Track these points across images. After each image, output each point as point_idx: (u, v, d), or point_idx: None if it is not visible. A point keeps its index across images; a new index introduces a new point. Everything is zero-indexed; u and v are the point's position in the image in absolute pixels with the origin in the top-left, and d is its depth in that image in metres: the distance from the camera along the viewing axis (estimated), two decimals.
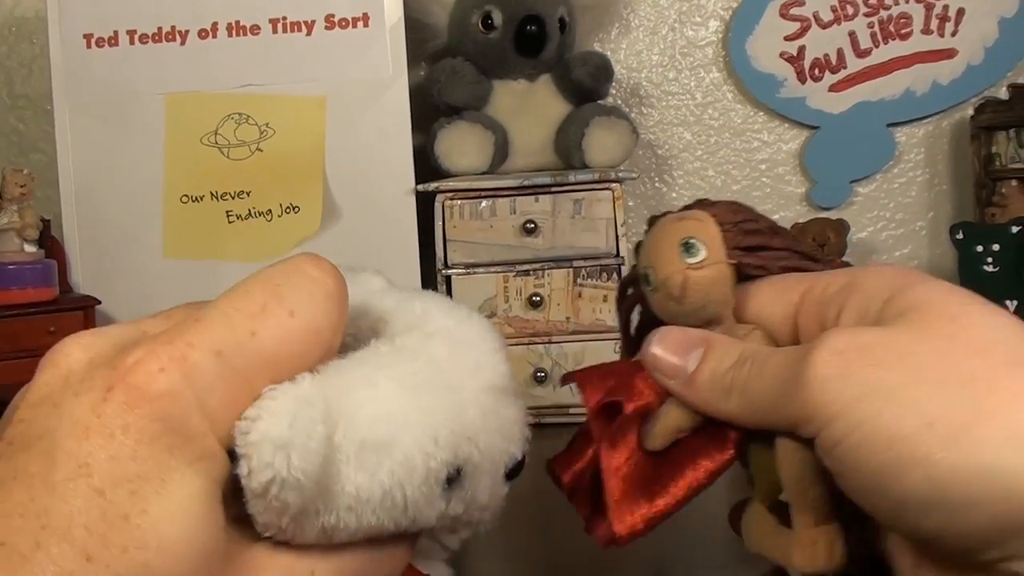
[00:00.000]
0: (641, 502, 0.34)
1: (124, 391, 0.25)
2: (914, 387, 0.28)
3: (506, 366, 0.33)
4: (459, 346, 0.31)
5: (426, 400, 0.29)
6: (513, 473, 0.33)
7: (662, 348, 0.35)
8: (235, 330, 0.26)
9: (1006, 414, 0.27)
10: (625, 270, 0.92)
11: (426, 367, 0.30)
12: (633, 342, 0.40)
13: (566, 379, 0.38)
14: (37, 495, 0.24)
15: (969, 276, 0.97)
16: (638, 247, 0.38)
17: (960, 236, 1.00)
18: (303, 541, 0.28)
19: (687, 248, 0.35)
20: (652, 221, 0.38)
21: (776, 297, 0.36)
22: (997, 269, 0.97)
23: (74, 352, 0.27)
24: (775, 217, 1.11)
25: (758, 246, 0.37)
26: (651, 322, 0.39)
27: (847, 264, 0.37)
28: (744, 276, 0.37)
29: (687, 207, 0.38)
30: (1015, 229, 0.98)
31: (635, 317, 0.40)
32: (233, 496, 0.26)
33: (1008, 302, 0.95)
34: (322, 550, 0.28)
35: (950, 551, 0.29)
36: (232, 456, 0.26)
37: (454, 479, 0.30)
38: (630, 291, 0.40)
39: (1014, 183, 1.04)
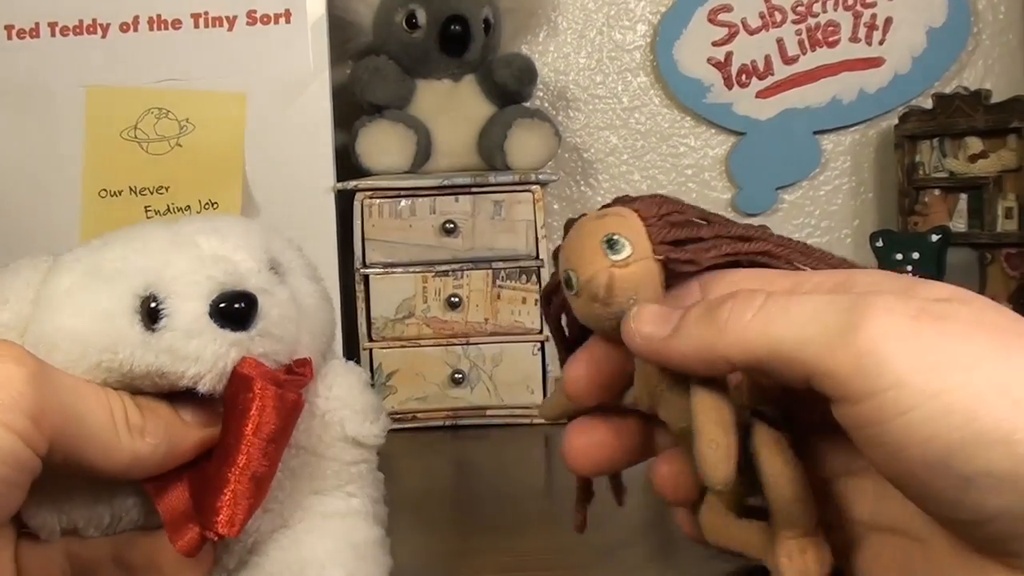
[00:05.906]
0: None
1: None
2: (1000, 361, 0.27)
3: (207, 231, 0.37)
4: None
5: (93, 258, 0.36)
6: (228, 311, 0.33)
7: (643, 320, 0.32)
8: None
9: None
10: (545, 273, 0.92)
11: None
12: (570, 349, 0.38)
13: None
14: None
15: None
16: (557, 252, 0.36)
17: (880, 244, 1.01)
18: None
19: (610, 245, 0.32)
20: (570, 223, 0.35)
21: None
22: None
23: None
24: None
25: (687, 239, 0.33)
26: (578, 331, 0.38)
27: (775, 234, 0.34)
28: (676, 274, 0.34)
29: (607, 205, 0.35)
30: (934, 238, 0.99)
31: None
32: None
33: None
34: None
35: (995, 535, 0.27)
36: None
37: (153, 310, 0.33)
38: (553, 299, 0.38)
39: (936, 192, 1.04)
